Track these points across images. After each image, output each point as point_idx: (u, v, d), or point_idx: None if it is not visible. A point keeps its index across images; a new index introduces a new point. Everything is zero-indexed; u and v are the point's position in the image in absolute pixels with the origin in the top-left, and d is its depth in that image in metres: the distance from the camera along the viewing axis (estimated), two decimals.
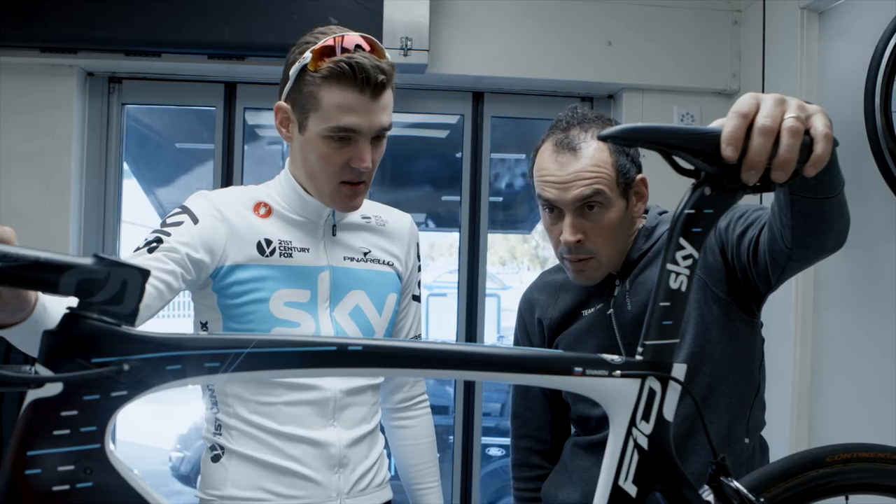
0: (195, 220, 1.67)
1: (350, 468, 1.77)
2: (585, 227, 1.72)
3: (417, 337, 2.01)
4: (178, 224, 1.66)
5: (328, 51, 1.64)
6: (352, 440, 1.77)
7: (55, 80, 3.16)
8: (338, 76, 1.63)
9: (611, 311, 1.79)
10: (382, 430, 1.94)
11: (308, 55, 1.65)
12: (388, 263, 1.86)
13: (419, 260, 1.98)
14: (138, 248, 1.61)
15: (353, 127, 1.65)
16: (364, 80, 1.62)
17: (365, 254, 1.84)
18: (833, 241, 1.47)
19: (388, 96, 1.69)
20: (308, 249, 1.76)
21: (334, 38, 1.65)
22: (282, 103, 1.73)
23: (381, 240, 1.88)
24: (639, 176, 1.76)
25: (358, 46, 1.65)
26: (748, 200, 1.50)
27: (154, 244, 1.60)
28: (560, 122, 1.78)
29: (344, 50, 1.64)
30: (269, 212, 1.77)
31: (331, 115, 1.65)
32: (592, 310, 1.83)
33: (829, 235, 1.45)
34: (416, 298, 1.99)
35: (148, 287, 1.51)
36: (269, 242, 1.73)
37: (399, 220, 1.94)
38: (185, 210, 1.70)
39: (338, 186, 1.72)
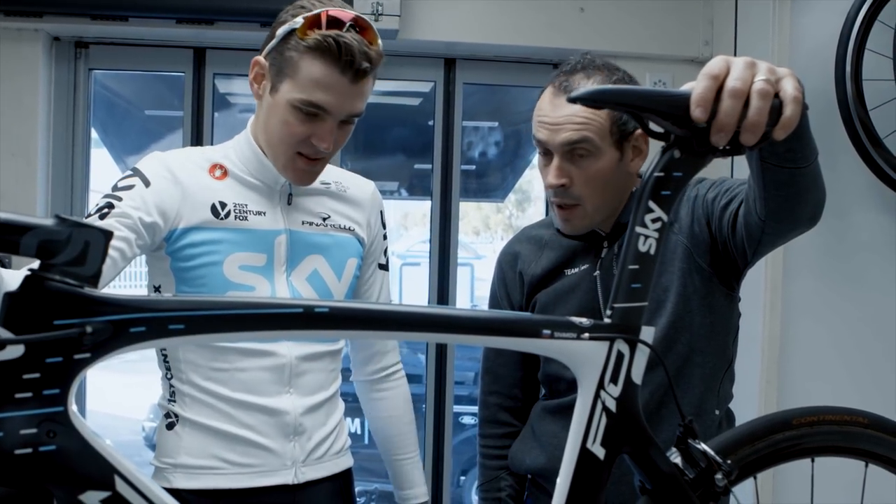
0: (147, 183, 1.64)
1: (306, 436, 1.76)
2: (572, 172, 1.71)
3: None
4: (129, 188, 1.62)
5: (320, 21, 1.61)
6: (308, 407, 1.76)
7: (20, 45, 3.10)
8: (323, 50, 1.60)
9: (597, 272, 1.79)
10: (351, 399, 1.93)
11: (300, 20, 1.61)
12: (348, 229, 1.84)
13: (384, 228, 1.95)
14: (89, 215, 1.58)
15: (325, 105, 1.63)
16: (348, 62, 1.60)
17: (324, 219, 1.81)
18: (807, 214, 1.47)
19: (368, 83, 1.67)
20: (265, 213, 1.74)
21: (329, 11, 1.61)
22: (260, 58, 1.70)
23: (341, 205, 1.85)
24: (639, 130, 1.71)
25: (352, 26, 1.62)
26: (717, 166, 1.50)
27: (105, 210, 1.57)
28: (566, 65, 1.76)
29: (336, 25, 1.61)
30: (224, 174, 1.75)
31: (305, 87, 1.62)
32: (576, 270, 1.82)
33: (802, 208, 1.45)
34: (384, 267, 1.96)
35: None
36: (223, 205, 1.70)
37: (361, 186, 1.91)
38: (137, 172, 1.66)
39: (294, 157, 1.69)
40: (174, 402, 1.74)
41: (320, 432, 1.79)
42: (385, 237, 1.96)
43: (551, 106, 1.71)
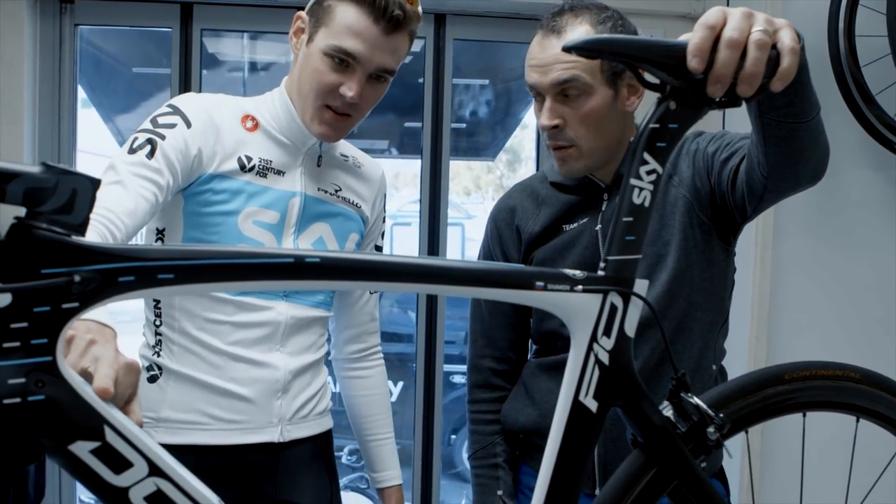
0: (188, 124, 1.65)
1: (292, 394, 1.76)
2: (564, 112, 1.70)
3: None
4: (172, 126, 1.63)
5: None
6: (297, 367, 1.77)
7: (3, 1, 3.05)
8: None
9: (598, 226, 1.77)
10: (328, 365, 1.94)
11: None
12: (355, 205, 1.86)
13: (385, 212, 1.98)
14: (134, 150, 1.56)
15: (355, 53, 1.65)
16: (381, 9, 1.63)
17: (336, 190, 1.83)
18: (809, 171, 1.47)
19: (400, 39, 1.69)
20: (284, 173, 1.75)
21: None
22: (301, 13, 1.74)
23: (353, 181, 1.88)
24: None
25: None
26: (710, 119, 1.49)
27: (147, 146, 1.57)
28: (554, 8, 1.75)
29: None
30: (255, 126, 1.76)
31: (338, 34, 1.65)
32: (576, 224, 1.80)
33: (804, 165, 1.44)
34: (379, 249, 2.00)
35: (144, 196, 1.50)
36: (249, 158, 1.71)
37: (373, 166, 1.95)
38: (177, 111, 1.66)
39: (321, 108, 1.71)
40: (159, 353, 1.72)
41: (306, 392, 1.80)
42: (384, 220, 1.99)
43: (540, 48, 1.71)
